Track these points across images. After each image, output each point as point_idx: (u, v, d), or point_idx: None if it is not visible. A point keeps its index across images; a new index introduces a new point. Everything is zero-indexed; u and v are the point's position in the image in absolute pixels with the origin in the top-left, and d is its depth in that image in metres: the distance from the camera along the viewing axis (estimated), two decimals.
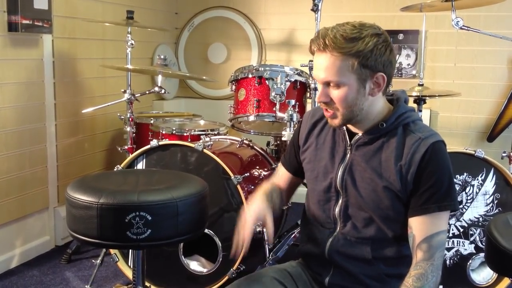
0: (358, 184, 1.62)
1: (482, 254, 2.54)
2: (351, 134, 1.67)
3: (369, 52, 1.51)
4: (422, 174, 1.54)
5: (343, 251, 1.66)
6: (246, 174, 2.57)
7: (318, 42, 1.54)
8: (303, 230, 1.84)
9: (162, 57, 3.17)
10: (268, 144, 3.27)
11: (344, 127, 1.67)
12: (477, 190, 2.55)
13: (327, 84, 1.56)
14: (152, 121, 3.41)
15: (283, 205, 2.01)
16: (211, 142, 2.68)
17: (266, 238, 2.50)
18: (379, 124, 1.60)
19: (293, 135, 1.88)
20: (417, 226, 1.54)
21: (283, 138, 2.68)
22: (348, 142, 1.66)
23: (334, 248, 1.67)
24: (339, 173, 1.66)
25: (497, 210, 2.55)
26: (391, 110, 1.63)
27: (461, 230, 2.57)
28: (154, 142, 2.65)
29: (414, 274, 1.50)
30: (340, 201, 1.67)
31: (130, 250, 2.64)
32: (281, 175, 1.93)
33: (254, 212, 1.69)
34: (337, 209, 1.67)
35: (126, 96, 3.07)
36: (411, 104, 2.14)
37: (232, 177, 2.49)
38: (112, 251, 2.70)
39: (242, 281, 1.72)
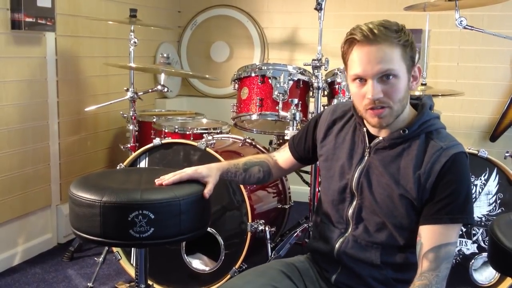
0: (374, 188, 1.60)
1: (484, 254, 2.54)
2: (371, 136, 1.64)
3: (411, 43, 1.53)
4: (440, 184, 1.51)
5: (351, 253, 1.65)
6: None
7: (365, 35, 1.49)
8: (315, 227, 1.85)
9: (164, 55, 3.17)
10: (270, 143, 3.26)
11: (364, 128, 1.64)
12: (480, 190, 2.54)
13: (380, 78, 1.51)
14: (154, 120, 3.40)
15: (268, 180, 1.98)
16: (214, 141, 2.68)
17: (268, 236, 2.51)
18: (402, 130, 1.57)
19: (309, 125, 1.85)
20: (427, 234, 1.52)
21: (285, 137, 2.67)
22: (367, 144, 1.64)
23: (343, 249, 1.66)
24: (356, 175, 1.64)
25: (500, 210, 2.54)
26: (415, 116, 1.60)
27: (464, 229, 2.56)
28: (156, 141, 2.65)
29: (418, 284, 1.48)
30: (354, 203, 1.65)
31: (133, 248, 2.64)
32: (284, 157, 1.94)
33: (201, 168, 1.79)
34: (350, 211, 1.66)
35: (129, 94, 3.07)
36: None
37: None
38: (114, 249, 2.71)
39: (250, 272, 1.73)
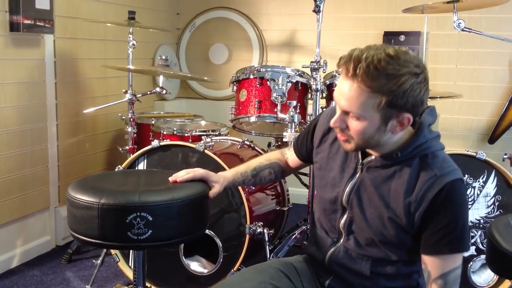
0: (365, 207, 1.57)
1: (483, 256, 2.54)
2: (364, 153, 1.59)
3: (402, 92, 1.38)
4: (434, 214, 1.46)
5: (342, 263, 1.65)
6: None
7: (348, 67, 1.40)
8: (311, 230, 1.85)
9: (163, 57, 3.17)
10: (269, 145, 3.26)
11: None
12: (478, 192, 2.54)
13: (346, 112, 1.46)
14: (153, 122, 3.40)
15: (282, 178, 2.05)
16: (212, 143, 2.68)
17: (266, 239, 2.51)
18: (394, 153, 1.51)
19: (309, 128, 1.83)
20: (431, 264, 1.50)
21: (284, 139, 2.67)
22: (360, 160, 1.59)
23: (334, 258, 1.66)
24: (347, 190, 1.61)
25: (498, 212, 2.54)
26: (411, 137, 1.51)
27: None
28: (155, 143, 2.65)
29: None
30: (345, 216, 1.63)
31: (131, 251, 2.64)
32: (292, 157, 1.95)
33: (213, 173, 1.85)
34: (342, 222, 1.64)
35: (127, 96, 3.07)
36: None
37: None
38: (112, 251, 2.70)
39: (248, 270, 1.74)
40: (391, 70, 1.36)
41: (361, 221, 1.58)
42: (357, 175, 1.60)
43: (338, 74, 2.90)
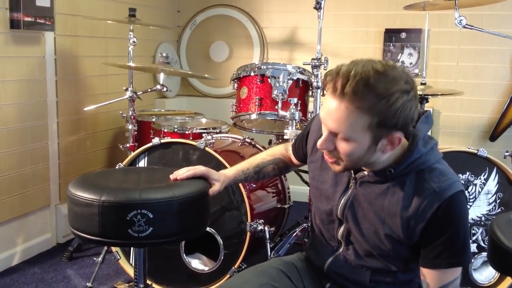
0: (360, 221, 1.54)
1: (484, 254, 2.54)
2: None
3: (394, 112, 1.31)
4: (434, 229, 1.42)
5: (341, 272, 1.64)
6: None
7: (335, 85, 1.32)
8: (311, 232, 1.85)
9: (164, 55, 3.17)
10: (270, 142, 3.26)
11: None
12: (480, 189, 2.54)
13: (334, 133, 1.39)
14: (153, 119, 3.40)
15: (286, 172, 2.07)
16: (213, 140, 2.68)
17: (267, 236, 2.50)
18: (387, 170, 1.44)
19: (304, 131, 1.82)
20: (430, 277, 1.48)
21: (285, 137, 2.67)
22: (353, 175, 1.54)
23: (333, 267, 1.66)
24: (341, 205, 1.58)
25: (499, 210, 2.54)
26: (405, 152, 1.44)
27: None
28: (156, 140, 2.64)
29: None
30: (342, 227, 1.61)
31: (132, 248, 2.64)
32: (291, 156, 1.95)
33: (213, 170, 1.83)
34: (340, 232, 1.63)
35: (128, 94, 3.07)
36: None
37: None
38: (113, 249, 2.70)
39: (249, 271, 1.73)
40: (380, 89, 1.29)
41: (358, 235, 1.56)
42: (350, 190, 1.56)
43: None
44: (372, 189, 1.50)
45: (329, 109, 1.36)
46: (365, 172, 1.51)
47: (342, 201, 1.57)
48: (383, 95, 1.29)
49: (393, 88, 1.30)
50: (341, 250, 1.65)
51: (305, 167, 2.43)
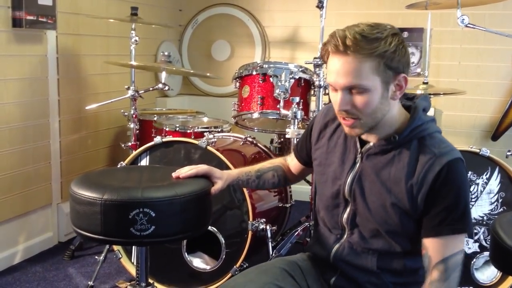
0: (367, 196, 1.57)
1: (486, 253, 2.53)
2: (362, 141, 1.60)
3: (392, 53, 1.44)
4: (435, 195, 1.46)
5: (348, 259, 1.64)
6: None
7: (336, 44, 1.43)
8: (314, 229, 1.85)
9: (165, 54, 3.17)
10: (271, 141, 3.26)
11: None
12: (482, 189, 2.54)
13: (348, 89, 1.46)
14: (155, 118, 3.40)
15: (285, 185, 2.06)
16: (215, 139, 2.68)
17: (269, 235, 2.50)
18: (392, 137, 1.52)
19: (307, 130, 1.84)
20: (432, 247, 1.49)
21: (287, 136, 2.67)
22: (359, 150, 1.60)
23: (339, 255, 1.65)
24: (348, 181, 1.61)
25: (501, 209, 2.54)
26: (407, 120, 1.54)
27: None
28: (157, 139, 2.64)
29: None
30: (348, 209, 1.63)
31: (134, 247, 2.64)
32: (293, 162, 1.96)
33: (216, 169, 1.85)
34: (345, 216, 1.64)
35: (130, 92, 3.06)
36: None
37: None
38: (115, 247, 2.70)
39: (252, 270, 1.73)
40: (376, 35, 1.43)
41: (364, 212, 1.58)
42: (358, 165, 1.60)
43: None
44: (378, 159, 1.56)
45: (337, 67, 1.46)
46: (371, 144, 1.57)
47: (349, 178, 1.61)
48: (379, 38, 1.43)
49: (385, 32, 1.44)
50: (345, 236, 1.65)
51: None
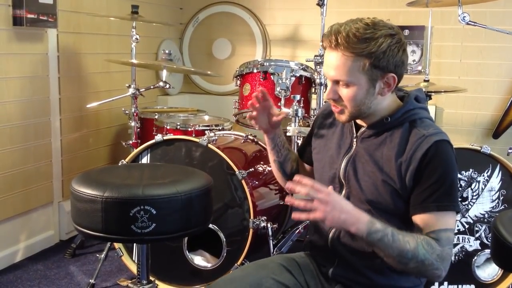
0: (360, 176, 1.62)
1: (487, 251, 2.53)
2: (358, 127, 1.68)
3: (382, 53, 1.51)
4: (422, 172, 1.51)
5: (344, 242, 1.66)
6: (250, 169, 2.57)
7: (330, 39, 1.53)
8: (311, 221, 1.85)
9: (166, 52, 3.16)
10: None
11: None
12: (483, 186, 2.53)
13: (336, 82, 1.57)
14: (156, 116, 3.40)
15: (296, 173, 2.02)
16: (216, 137, 2.68)
17: (270, 233, 2.50)
18: (384, 119, 1.60)
19: (311, 127, 1.90)
20: (421, 222, 1.52)
21: (287, 134, 2.67)
22: (355, 134, 1.68)
23: (336, 239, 1.68)
24: (343, 164, 1.67)
25: (502, 207, 2.54)
26: (399, 105, 1.62)
27: (467, 226, 2.56)
28: (158, 137, 2.65)
29: (424, 238, 1.48)
30: (343, 192, 1.67)
31: (135, 245, 2.64)
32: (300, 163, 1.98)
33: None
34: None
35: (131, 91, 3.07)
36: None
37: (237, 172, 2.49)
38: (116, 245, 2.71)
39: (250, 265, 1.75)
40: (368, 34, 1.50)
41: (357, 192, 1.62)
42: (353, 148, 1.67)
43: None
44: (372, 141, 1.63)
45: (329, 61, 1.57)
46: (365, 127, 1.65)
47: (344, 160, 1.67)
48: (370, 39, 1.50)
49: (379, 33, 1.51)
50: None
51: None
